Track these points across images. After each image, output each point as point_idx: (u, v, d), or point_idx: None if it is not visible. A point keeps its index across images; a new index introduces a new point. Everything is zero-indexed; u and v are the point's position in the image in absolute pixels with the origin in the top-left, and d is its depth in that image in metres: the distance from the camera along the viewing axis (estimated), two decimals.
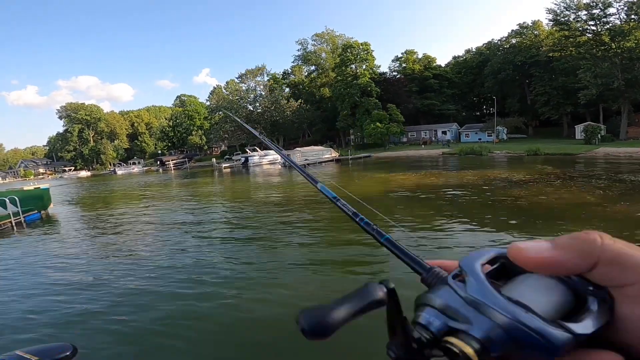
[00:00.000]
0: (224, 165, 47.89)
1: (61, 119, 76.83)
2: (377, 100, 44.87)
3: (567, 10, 32.55)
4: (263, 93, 60.38)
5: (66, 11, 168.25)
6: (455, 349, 0.21)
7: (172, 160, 61.78)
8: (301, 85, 62.07)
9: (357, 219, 0.47)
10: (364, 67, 48.27)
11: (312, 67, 62.67)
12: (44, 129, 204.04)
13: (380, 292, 0.26)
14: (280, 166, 39.01)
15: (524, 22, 46.30)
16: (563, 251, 0.24)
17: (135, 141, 78.64)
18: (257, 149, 49.47)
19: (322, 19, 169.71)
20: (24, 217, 14.63)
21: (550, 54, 38.13)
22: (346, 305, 0.26)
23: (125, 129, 78.82)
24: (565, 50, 36.07)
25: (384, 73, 53.63)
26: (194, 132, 71.49)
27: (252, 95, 61.29)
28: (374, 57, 49.19)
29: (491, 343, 0.22)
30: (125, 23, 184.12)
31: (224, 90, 67.77)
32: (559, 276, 0.25)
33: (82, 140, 74.34)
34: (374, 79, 47.48)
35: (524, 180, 13.77)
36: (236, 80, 64.84)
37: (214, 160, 53.96)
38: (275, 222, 9.77)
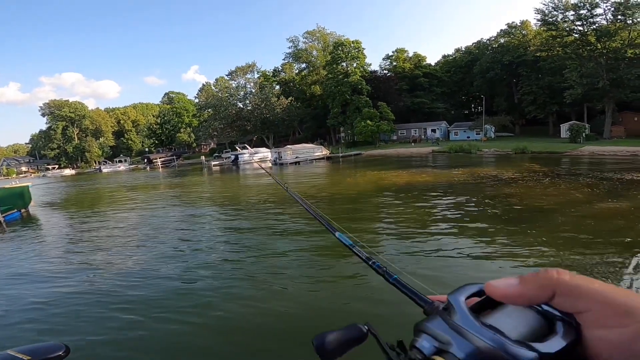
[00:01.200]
0: (213, 163, 47.26)
1: (44, 116, 74.45)
2: (367, 99, 44.86)
3: (555, 10, 33.06)
4: (253, 90, 59.59)
5: (50, 7, 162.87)
6: None
7: (159, 158, 60.57)
8: (292, 82, 61.59)
9: (370, 262, 0.53)
10: (354, 65, 48.17)
11: (303, 65, 62.24)
12: (26, 127, 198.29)
13: (363, 330, 0.33)
14: (270, 164, 38.66)
15: (512, 22, 46.97)
16: (526, 286, 0.30)
17: (122, 139, 76.80)
18: (247, 146, 48.91)
19: (313, 17, 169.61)
20: (2, 216, 13.89)
21: (538, 54, 38.71)
22: (335, 338, 0.35)
23: (111, 126, 76.92)
24: (552, 50, 36.65)
25: (374, 71, 53.63)
26: (182, 130, 70.28)
27: (242, 93, 60.43)
28: (364, 55, 49.15)
29: None
30: (112, 19, 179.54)
31: (213, 88, 66.69)
32: (531, 305, 0.31)
33: (66, 137, 72.22)
34: (365, 77, 47.43)
35: (513, 178, 13.90)
36: (226, 77, 63.92)
37: (202, 158, 53.25)
38: (266, 221, 9.57)
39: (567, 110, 39.44)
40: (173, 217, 11.71)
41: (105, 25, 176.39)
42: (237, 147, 49.11)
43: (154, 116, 79.61)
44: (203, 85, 71.25)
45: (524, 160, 21.83)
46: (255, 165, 40.92)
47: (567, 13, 32.40)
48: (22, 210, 15.73)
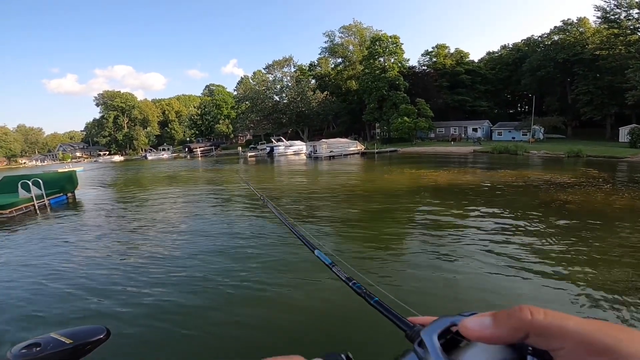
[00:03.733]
0: (249, 154, 48.68)
1: (98, 106, 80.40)
2: (405, 95, 43.88)
3: (617, 8, 30.43)
4: (289, 84, 60.43)
5: (104, 2, 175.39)
6: None
7: (199, 147, 63.50)
8: (327, 77, 61.68)
9: (350, 284, 0.53)
10: (392, 60, 47.18)
11: (339, 60, 62.00)
12: (81, 115, 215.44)
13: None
14: (305, 157, 39.19)
15: (568, 19, 43.42)
16: (499, 328, 0.30)
17: (166, 128, 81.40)
18: (283, 138, 49.83)
19: (349, 11, 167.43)
20: (48, 200, 14.04)
21: (597, 52, 35.68)
22: None
23: (157, 117, 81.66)
24: (613, 48, 33.67)
25: (413, 67, 52.18)
26: (221, 121, 73.06)
27: (278, 86, 61.46)
28: (402, 51, 47.98)
29: None
30: (157, 13, 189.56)
31: (251, 81, 68.45)
32: None
33: (116, 126, 77.74)
34: (403, 73, 46.38)
35: (569, 183, 13.07)
36: (263, 71, 65.28)
37: (239, 148, 55.03)
38: (300, 212, 9.84)
39: (628, 113, 36.07)
40: (211, 203, 12.32)
41: (152, 20, 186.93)
42: (272, 139, 50.28)
43: (195, 107, 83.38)
44: (241, 78, 73.41)
45: (578, 164, 20.36)
46: (290, 157, 41.80)
47: (630, 11, 29.65)
48: (69, 194, 15.95)
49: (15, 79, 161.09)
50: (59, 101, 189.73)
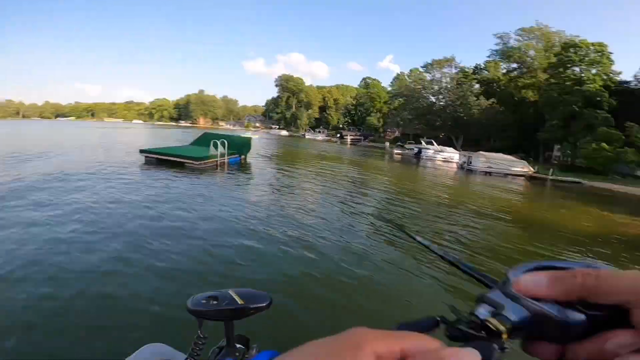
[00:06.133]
0: (395, 151, 49.91)
1: (276, 87, 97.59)
2: (608, 115, 35.20)
3: None
4: (449, 86, 57.41)
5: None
6: (492, 327, 0.29)
7: (350, 135, 69.24)
8: (495, 83, 55.03)
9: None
10: (593, 71, 38.40)
11: (513, 65, 54.15)
12: (264, 93, 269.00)
13: (437, 319, 0.35)
14: (455, 166, 37.49)
15: None
16: (553, 291, 0.29)
17: (324, 113, 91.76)
18: (434, 142, 48.69)
19: (528, 12, 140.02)
20: (227, 158, 16.45)
21: None
22: (414, 325, 0.35)
23: (318, 102, 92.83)
24: None
25: (626, 82, 41.00)
26: (372, 114, 76.90)
27: (436, 87, 59.25)
28: (611, 61, 38.25)
29: (521, 323, 0.29)
30: (328, 7, 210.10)
31: (407, 78, 68.36)
32: None
33: (287, 105, 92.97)
34: (608, 88, 37.19)
35: None
36: (420, 69, 63.78)
37: (387, 144, 57.05)
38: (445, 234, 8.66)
39: None
40: (352, 189, 13.76)
41: (324, 14, 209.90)
42: (422, 141, 49.54)
43: (351, 97, 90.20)
44: (397, 74, 74.25)
45: None
46: (438, 163, 40.72)
47: None
48: (242, 156, 18.47)
49: (226, 59, 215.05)
50: (251, 79, 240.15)
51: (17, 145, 22.56)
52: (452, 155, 43.44)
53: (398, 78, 72.41)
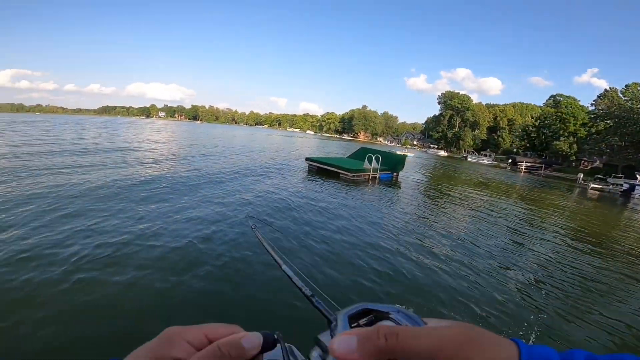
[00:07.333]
0: (592, 185, 39.84)
1: (439, 104, 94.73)
2: None
3: None
4: None
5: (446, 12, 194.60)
6: None
7: (525, 161, 59.65)
8: None
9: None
10: None
11: None
12: (424, 111, 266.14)
13: (273, 337, 0.37)
14: None
15: None
16: (364, 355, 0.29)
17: (493, 134, 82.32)
18: None
19: None
20: (379, 174, 16.62)
21: None
22: None
23: (487, 121, 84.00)
24: None
25: None
26: (562, 138, 63.27)
27: None
28: None
29: None
30: (503, 18, 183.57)
31: (620, 95, 53.17)
32: None
33: (449, 124, 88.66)
34: None
35: None
36: None
37: (580, 175, 46.13)
38: None
39: None
40: (512, 234, 10.21)
41: (496, 25, 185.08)
42: (637, 175, 37.80)
43: (532, 118, 77.15)
44: (605, 91, 58.11)
45: None
46: None
47: None
48: (395, 174, 18.50)
49: (388, 75, 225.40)
50: (412, 96, 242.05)
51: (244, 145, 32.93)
52: None
53: (606, 95, 57.16)
